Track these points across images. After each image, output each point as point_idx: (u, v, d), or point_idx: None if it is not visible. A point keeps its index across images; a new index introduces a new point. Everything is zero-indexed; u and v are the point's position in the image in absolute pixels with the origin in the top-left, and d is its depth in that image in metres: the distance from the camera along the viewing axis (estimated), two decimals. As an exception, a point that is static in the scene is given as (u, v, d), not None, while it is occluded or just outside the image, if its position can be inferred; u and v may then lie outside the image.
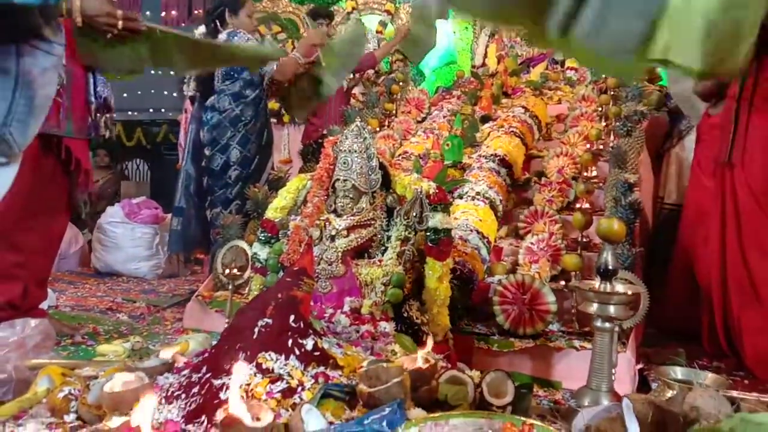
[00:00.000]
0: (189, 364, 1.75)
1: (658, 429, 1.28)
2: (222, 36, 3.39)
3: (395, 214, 2.08)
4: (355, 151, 2.07)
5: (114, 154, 9.14)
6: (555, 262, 2.58)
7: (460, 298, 2.35)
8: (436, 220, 1.98)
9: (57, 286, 3.72)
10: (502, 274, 2.52)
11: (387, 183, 2.14)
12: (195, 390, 1.52)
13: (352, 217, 2.06)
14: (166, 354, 1.91)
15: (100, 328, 2.75)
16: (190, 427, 1.42)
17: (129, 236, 4.16)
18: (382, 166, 2.13)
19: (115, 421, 1.33)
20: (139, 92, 10.49)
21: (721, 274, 2.29)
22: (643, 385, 2.15)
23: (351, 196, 2.07)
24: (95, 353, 2.25)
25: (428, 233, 1.99)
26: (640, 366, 2.18)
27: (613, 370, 2.01)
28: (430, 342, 1.60)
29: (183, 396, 1.52)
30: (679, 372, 1.83)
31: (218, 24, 3.48)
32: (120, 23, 1.97)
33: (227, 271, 2.62)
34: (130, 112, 11.13)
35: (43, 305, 2.90)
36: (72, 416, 1.63)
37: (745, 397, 1.88)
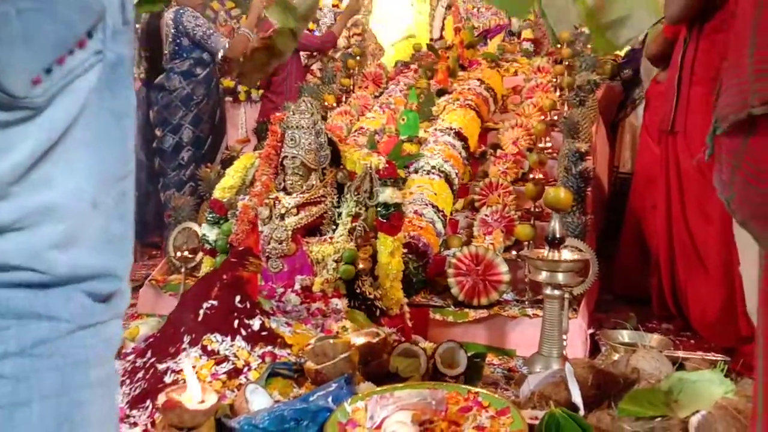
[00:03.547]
0: (136, 349, 1.72)
1: (599, 391, 1.31)
2: (168, 14, 3.29)
3: (346, 190, 2.06)
4: (303, 127, 2.03)
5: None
6: (509, 233, 2.60)
7: (415, 272, 2.36)
8: (386, 194, 1.97)
9: (8, 276, 3.60)
10: (458, 247, 2.53)
11: (337, 159, 2.12)
12: (139, 375, 1.50)
13: (301, 195, 2.03)
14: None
15: (51, 316, 2.68)
16: (134, 412, 1.40)
17: (82, 222, 4.04)
18: (331, 142, 2.10)
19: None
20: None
21: (668, 239, 2.34)
22: (595, 350, 2.20)
23: (300, 173, 2.04)
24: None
25: (379, 208, 1.98)
26: (591, 331, 2.23)
27: (565, 336, 2.05)
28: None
29: (128, 381, 1.50)
30: (626, 335, 1.88)
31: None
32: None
33: (179, 253, 2.58)
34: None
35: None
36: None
37: (689, 356, 1.95)
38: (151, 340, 1.65)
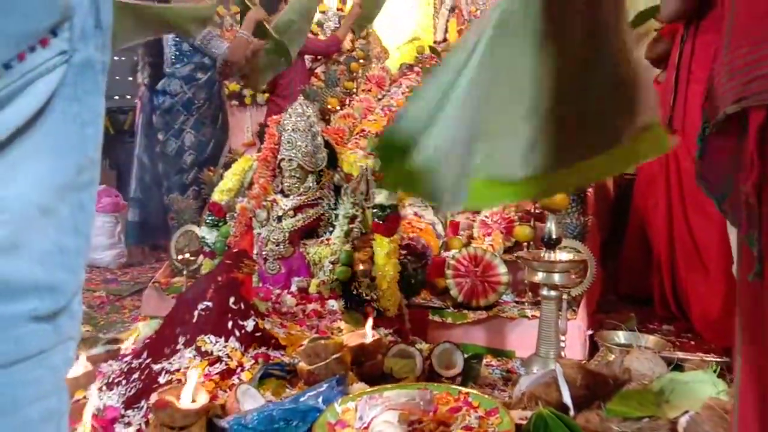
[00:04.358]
0: (134, 350, 1.74)
1: (588, 391, 1.30)
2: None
3: (342, 192, 2.07)
4: (299, 130, 2.05)
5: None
6: (508, 234, 2.60)
7: (414, 274, 2.36)
8: (382, 196, 1.98)
9: (16, 280, 3.65)
10: (459, 248, 2.53)
11: (334, 161, 2.13)
12: (135, 376, 1.52)
13: (298, 197, 2.04)
14: (114, 342, 1.91)
15: (56, 319, 2.71)
16: (129, 412, 1.42)
17: (89, 226, 4.08)
18: (328, 144, 2.12)
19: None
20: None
21: (668, 238, 2.33)
22: (595, 351, 2.19)
23: (297, 175, 2.05)
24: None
25: (375, 210, 1.99)
26: (590, 332, 2.22)
27: (563, 337, 2.04)
28: (370, 322, 1.61)
29: (123, 382, 1.52)
30: (622, 336, 1.87)
31: (164, 5, 3.40)
32: None
33: (180, 256, 2.60)
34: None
35: None
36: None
37: (687, 357, 1.93)
38: (148, 341, 1.66)
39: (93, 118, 0.57)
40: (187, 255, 2.58)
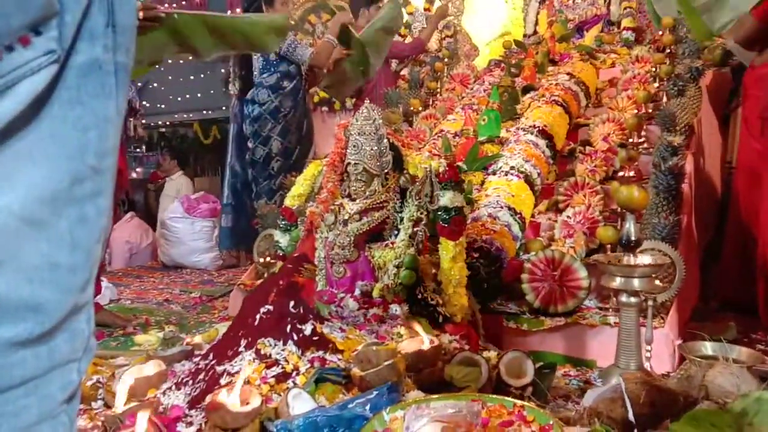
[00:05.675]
0: (207, 351, 1.82)
1: (654, 409, 1.19)
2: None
3: (407, 195, 2.04)
4: (365, 134, 2.04)
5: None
6: (592, 236, 2.45)
7: (487, 277, 2.29)
8: (446, 198, 1.93)
9: (125, 281, 3.97)
10: (539, 250, 2.42)
11: (400, 164, 2.11)
12: (201, 376, 1.58)
13: (364, 201, 2.04)
14: (196, 340, 2.01)
15: (152, 318, 2.91)
16: (192, 412, 1.47)
17: (189, 230, 4.36)
18: (393, 147, 2.10)
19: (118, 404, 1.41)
20: (212, 91, 10.91)
21: (774, 239, 2.09)
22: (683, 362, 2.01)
23: (363, 179, 2.05)
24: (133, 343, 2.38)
25: (439, 212, 1.94)
26: (679, 342, 2.04)
27: (649, 347, 1.90)
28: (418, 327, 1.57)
29: (190, 382, 1.59)
30: (710, 347, 1.70)
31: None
32: (140, 14, 2.05)
33: (262, 259, 2.69)
34: (205, 111, 11.62)
35: (104, 299, 3.11)
36: (99, 403, 1.74)
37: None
38: (215, 342, 1.73)
39: (97, 122, 0.53)
40: (268, 258, 2.67)
